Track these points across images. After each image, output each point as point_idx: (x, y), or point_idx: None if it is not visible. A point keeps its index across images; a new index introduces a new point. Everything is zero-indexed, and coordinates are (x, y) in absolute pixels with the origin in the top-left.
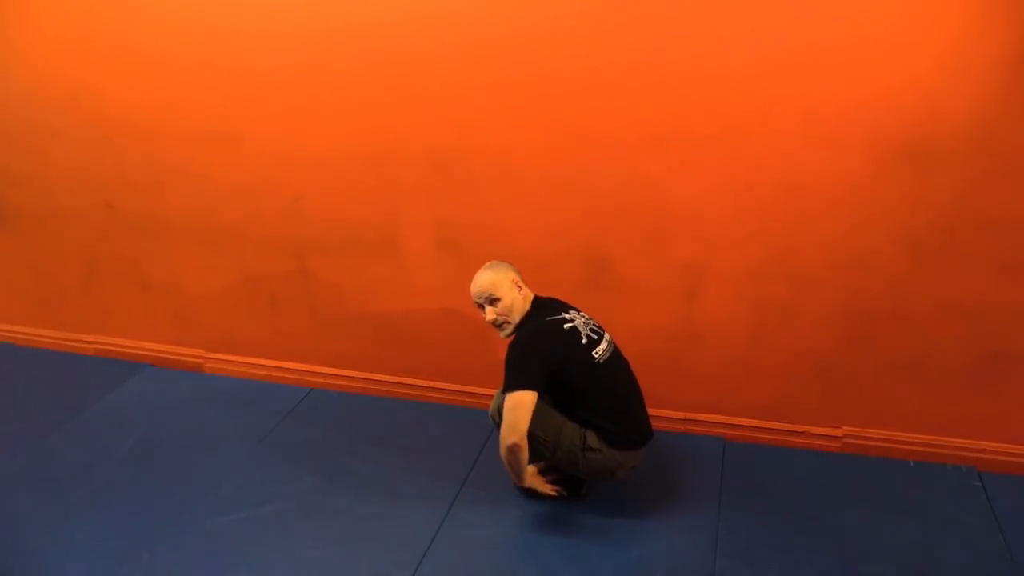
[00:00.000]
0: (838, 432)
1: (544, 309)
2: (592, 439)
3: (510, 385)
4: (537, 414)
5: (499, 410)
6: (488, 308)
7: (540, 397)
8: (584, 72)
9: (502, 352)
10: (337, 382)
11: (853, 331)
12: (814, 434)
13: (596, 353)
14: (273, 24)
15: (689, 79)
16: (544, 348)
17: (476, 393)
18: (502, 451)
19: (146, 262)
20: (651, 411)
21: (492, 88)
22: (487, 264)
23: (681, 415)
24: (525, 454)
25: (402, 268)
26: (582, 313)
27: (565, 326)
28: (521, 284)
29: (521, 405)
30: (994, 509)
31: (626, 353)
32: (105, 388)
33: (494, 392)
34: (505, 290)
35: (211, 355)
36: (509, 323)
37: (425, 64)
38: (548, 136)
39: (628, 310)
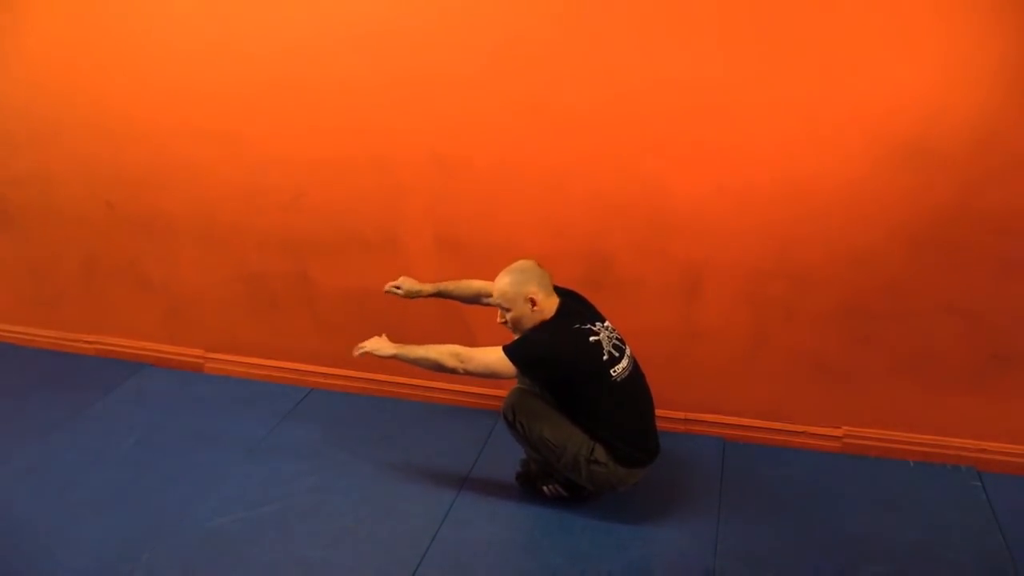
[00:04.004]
0: (838, 432)
1: (573, 316)
2: (600, 453)
3: (512, 355)
4: (550, 419)
5: (512, 407)
6: (501, 311)
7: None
8: (584, 71)
9: None
10: (337, 382)
11: (853, 331)
12: (814, 434)
13: (615, 371)
14: (273, 23)
15: (689, 78)
16: (561, 355)
17: (476, 393)
18: (449, 359)
19: (146, 262)
20: None
21: (492, 87)
22: (513, 267)
23: (681, 415)
24: (438, 372)
25: (402, 267)
26: (607, 325)
27: (591, 339)
28: (538, 300)
29: (495, 374)
30: (994, 509)
31: None
32: (105, 388)
33: (495, 392)
34: (516, 306)
35: (211, 355)
36: (518, 328)
37: (425, 63)
38: (548, 135)
39: (628, 309)
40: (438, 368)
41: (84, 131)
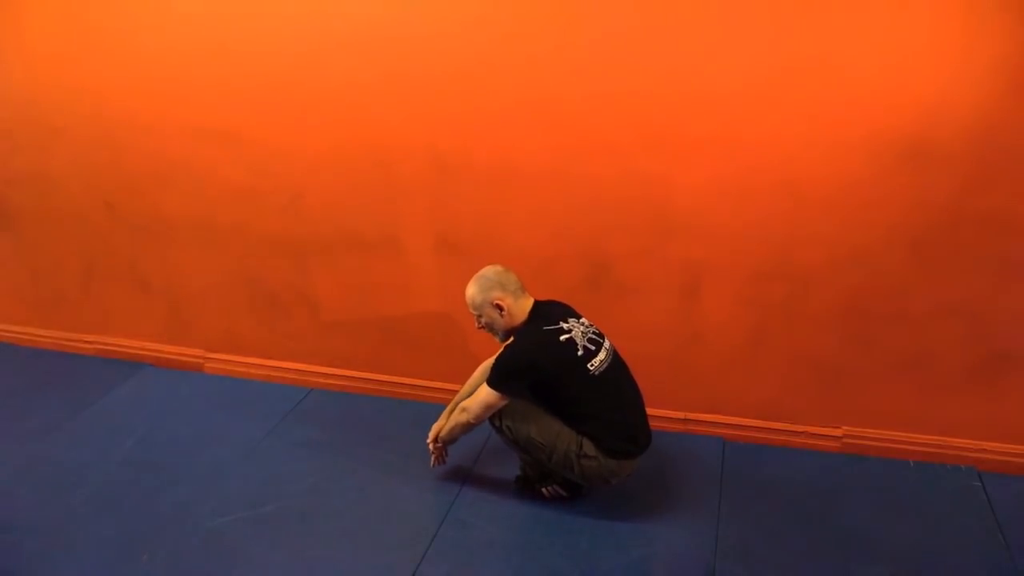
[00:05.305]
0: (838, 432)
1: (542, 317)
2: (588, 447)
3: (491, 383)
4: (536, 419)
5: (498, 412)
6: (475, 318)
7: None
8: (584, 71)
9: None
10: (337, 382)
11: (853, 331)
12: (814, 434)
13: (592, 365)
14: (273, 23)
15: (689, 79)
16: (532, 362)
17: None
18: (459, 415)
19: (146, 262)
20: (651, 411)
21: (492, 87)
22: (478, 275)
23: (681, 415)
24: (468, 431)
25: (402, 268)
26: (583, 320)
27: (561, 338)
28: (505, 304)
29: (490, 407)
30: (994, 509)
31: (626, 353)
32: (105, 388)
33: None
34: (486, 312)
35: (211, 355)
36: (494, 333)
37: (425, 63)
38: (548, 135)
39: (628, 310)
40: (464, 427)
41: (84, 131)
